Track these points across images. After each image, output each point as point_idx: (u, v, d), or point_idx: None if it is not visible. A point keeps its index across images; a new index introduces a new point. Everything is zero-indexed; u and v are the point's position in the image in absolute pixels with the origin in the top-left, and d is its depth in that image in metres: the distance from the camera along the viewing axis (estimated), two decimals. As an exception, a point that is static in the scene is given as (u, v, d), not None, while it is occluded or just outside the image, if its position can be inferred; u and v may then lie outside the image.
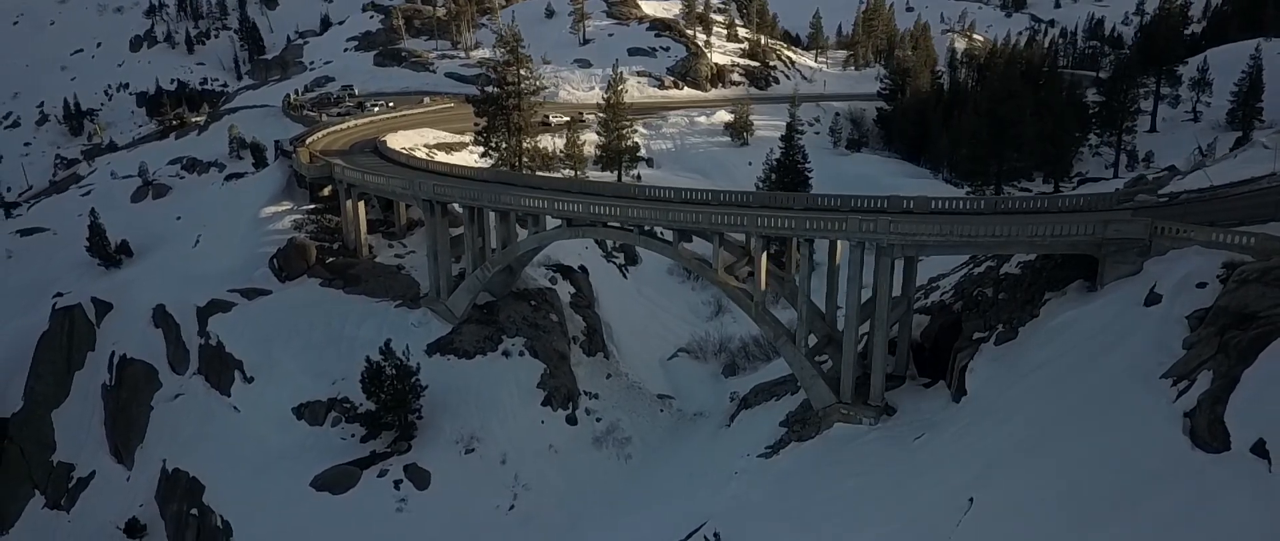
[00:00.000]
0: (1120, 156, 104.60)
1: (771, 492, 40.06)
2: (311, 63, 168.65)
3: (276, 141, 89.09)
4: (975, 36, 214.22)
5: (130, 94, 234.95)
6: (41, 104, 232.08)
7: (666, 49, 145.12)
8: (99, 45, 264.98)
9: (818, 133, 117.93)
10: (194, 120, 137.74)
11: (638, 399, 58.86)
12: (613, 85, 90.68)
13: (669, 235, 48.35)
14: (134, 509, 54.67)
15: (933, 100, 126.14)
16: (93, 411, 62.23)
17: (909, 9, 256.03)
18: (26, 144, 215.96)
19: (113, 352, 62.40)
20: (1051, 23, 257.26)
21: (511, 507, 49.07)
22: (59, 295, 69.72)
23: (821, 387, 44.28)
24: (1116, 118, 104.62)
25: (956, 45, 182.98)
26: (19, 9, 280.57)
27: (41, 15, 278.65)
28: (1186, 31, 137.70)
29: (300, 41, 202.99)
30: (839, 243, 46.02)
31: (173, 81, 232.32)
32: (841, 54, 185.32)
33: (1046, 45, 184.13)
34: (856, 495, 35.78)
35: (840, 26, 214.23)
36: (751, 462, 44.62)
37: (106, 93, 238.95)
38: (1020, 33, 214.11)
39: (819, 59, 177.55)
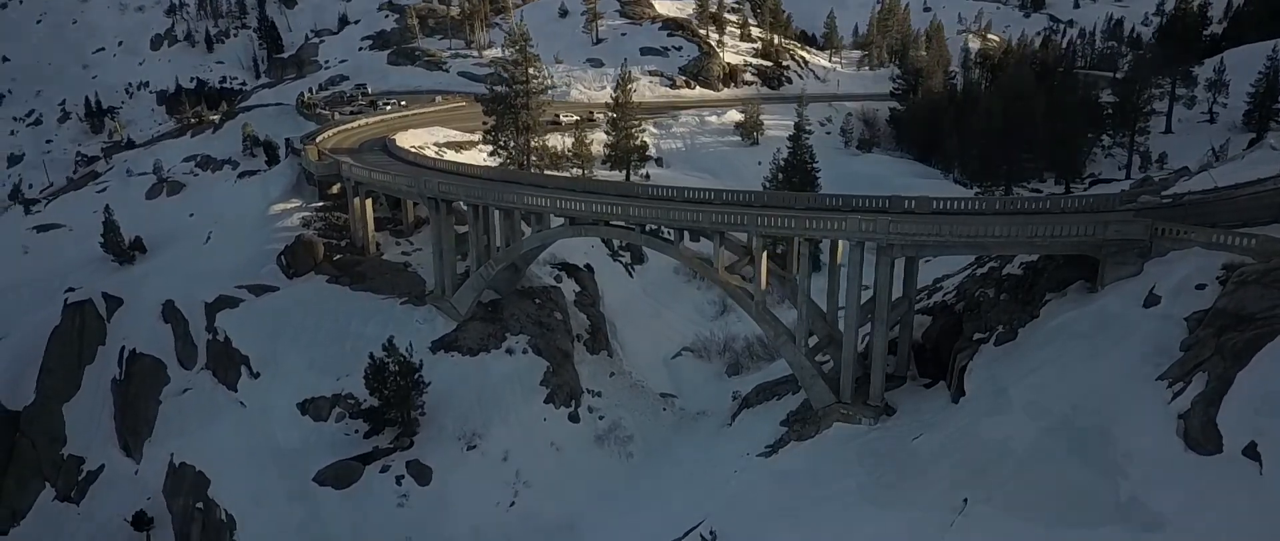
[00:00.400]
0: (1133, 158, 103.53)
1: (769, 491, 39.97)
2: (326, 61, 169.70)
3: (288, 139, 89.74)
4: (990, 36, 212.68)
5: (150, 92, 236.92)
6: (63, 102, 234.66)
7: (679, 48, 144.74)
8: (120, 44, 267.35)
9: (829, 133, 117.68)
10: (211, 118, 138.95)
11: (640, 397, 58.81)
12: (621, 84, 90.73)
13: (673, 234, 48.38)
14: (142, 502, 55.01)
15: (945, 100, 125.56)
16: (102, 405, 62.81)
17: (926, 9, 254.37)
18: (48, 141, 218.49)
19: (123, 347, 62.99)
20: (1070, 23, 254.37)
21: (512, 504, 49.14)
22: (71, 290, 70.54)
23: (821, 387, 44.17)
24: (1130, 119, 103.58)
25: (971, 45, 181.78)
26: (42, 8, 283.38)
27: (64, 14, 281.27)
28: (1206, 32, 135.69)
29: (316, 40, 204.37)
30: (840, 242, 45.91)
31: (192, 79, 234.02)
32: (856, 54, 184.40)
33: (1064, 45, 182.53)
34: (853, 494, 35.72)
35: (856, 26, 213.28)
36: (751, 462, 44.58)
37: (127, 91, 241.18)
38: (1037, 33, 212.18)
39: (833, 59, 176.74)
